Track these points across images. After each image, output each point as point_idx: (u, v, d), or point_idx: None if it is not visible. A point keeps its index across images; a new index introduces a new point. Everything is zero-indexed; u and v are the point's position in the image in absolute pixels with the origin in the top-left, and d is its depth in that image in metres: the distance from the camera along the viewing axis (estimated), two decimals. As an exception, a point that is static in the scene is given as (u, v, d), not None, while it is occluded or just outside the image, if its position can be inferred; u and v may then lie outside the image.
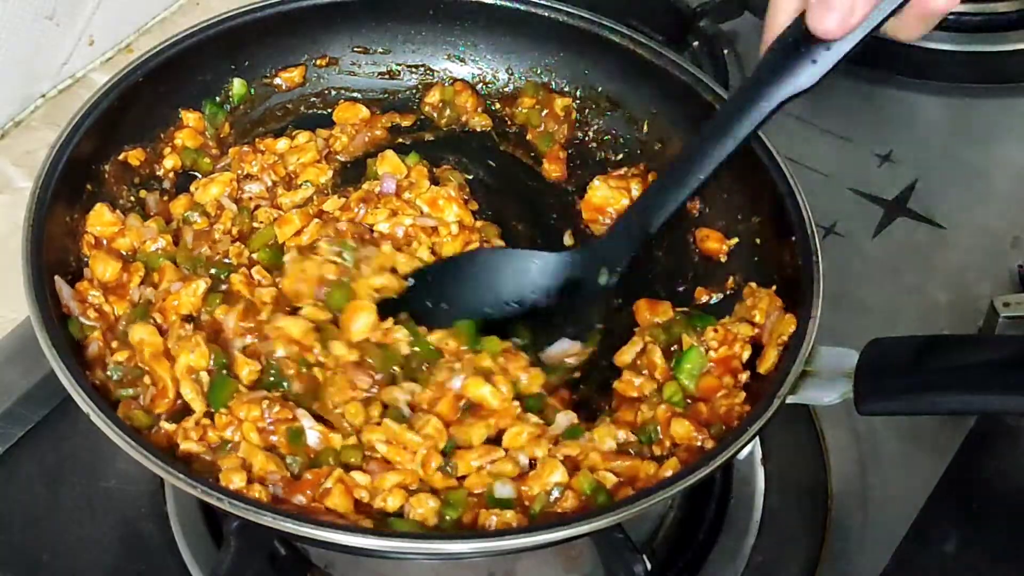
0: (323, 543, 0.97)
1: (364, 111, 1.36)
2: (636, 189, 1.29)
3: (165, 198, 1.25)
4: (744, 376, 1.11)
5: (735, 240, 1.25)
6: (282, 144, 1.31)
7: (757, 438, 1.07)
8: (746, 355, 1.12)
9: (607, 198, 1.29)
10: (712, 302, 1.21)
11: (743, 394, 1.08)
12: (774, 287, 1.15)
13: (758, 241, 1.21)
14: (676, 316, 1.18)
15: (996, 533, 1.23)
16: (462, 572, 1.16)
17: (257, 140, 1.32)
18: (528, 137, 1.37)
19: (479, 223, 1.27)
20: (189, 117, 1.29)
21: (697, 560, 1.18)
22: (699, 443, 1.06)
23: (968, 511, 1.24)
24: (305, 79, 1.36)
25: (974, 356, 1.05)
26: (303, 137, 1.32)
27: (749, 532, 1.20)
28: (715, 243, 1.25)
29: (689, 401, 1.11)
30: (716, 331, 1.14)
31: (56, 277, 1.09)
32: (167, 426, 1.04)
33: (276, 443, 1.04)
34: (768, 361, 1.08)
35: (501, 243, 1.26)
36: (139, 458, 0.94)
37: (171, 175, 1.27)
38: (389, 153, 1.31)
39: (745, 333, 1.13)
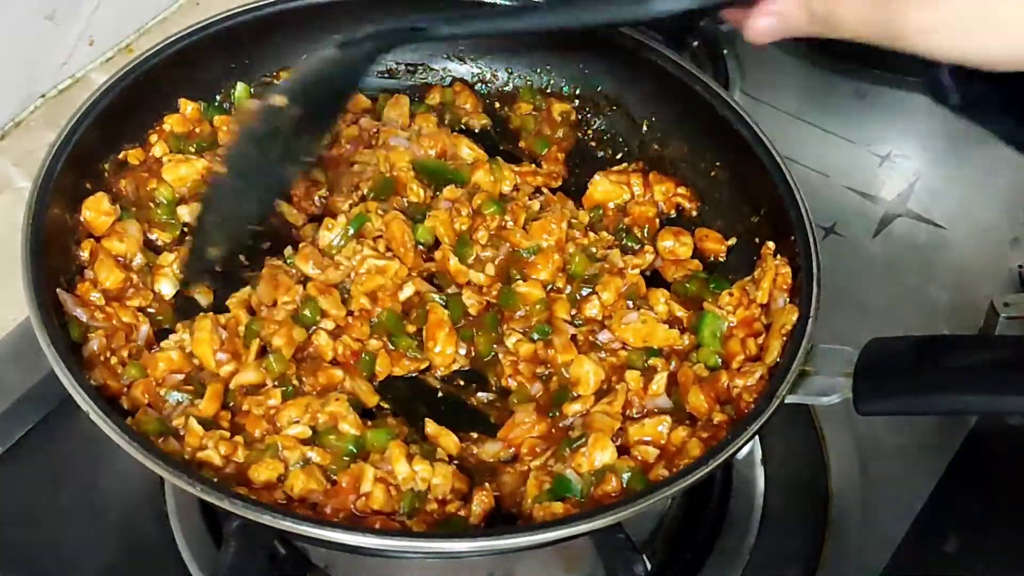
0: (323, 543, 0.97)
1: (365, 100, 1.36)
2: (636, 184, 1.30)
3: (145, 174, 1.24)
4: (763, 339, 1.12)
5: (734, 240, 1.25)
6: None
7: (757, 438, 1.07)
8: (765, 319, 1.14)
9: (608, 192, 1.29)
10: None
11: (757, 372, 1.08)
12: (778, 256, 1.17)
13: (757, 241, 1.21)
14: (696, 274, 1.22)
15: (996, 533, 1.23)
16: (462, 572, 1.16)
17: None
18: (521, 144, 1.37)
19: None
20: (187, 105, 1.29)
21: (697, 560, 1.18)
22: (713, 420, 1.08)
23: (968, 511, 1.24)
24: (306, 79, 1.37)
25: (974, 356, 1.04)
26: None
27: (749, 532, 1.20)
28: (714, 243, 1.26)
29: (720, 361, 1.13)
30: (731, 295, 1.16)
31: (58, 291, 1.08)
32: (195, 427, 1.03)
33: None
34: (772, 353, 1.09)
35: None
36: (139, 457, 0.94)
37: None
38: (403, 98, 1.34)
39: (760, 299, 1.14)
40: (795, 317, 1.08)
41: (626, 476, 1.04)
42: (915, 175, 1.57)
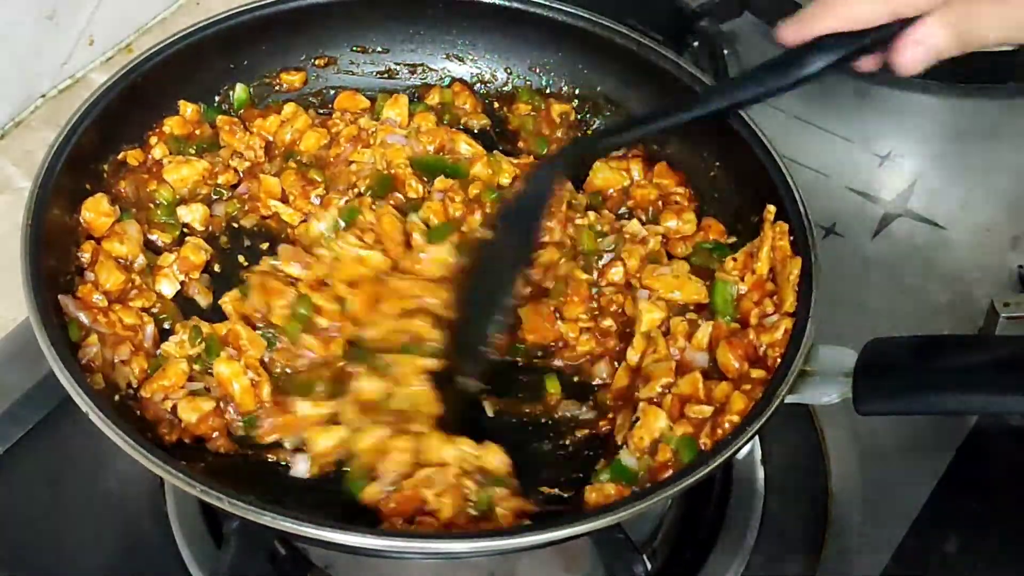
0: (323, 543, 0.97)
1: (364, 100, 1.36)
2: (636, 170, 1.30)
3: (145, 175, 1.25)
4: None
5: (733, 239, 1.25)
6: (271, 120, 1.31)
7: (757, 438, 1.07)
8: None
9: (608, 179, 1.30)
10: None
11: (782, 327, 1.09)
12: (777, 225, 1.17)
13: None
14: (700, 245, 1.23)
15: (996, 533, 1.23)
16: (462, 572, 1.16)
17: (248, 121, 1.32)
18: (520, 144, 1.37)
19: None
20: (187, 107, 1.29)
21: (697, 560, 1.18)
22: (746, 374, 1.09)
23: (968, 511, 1.24)
24: (305, 82, 1.37)
25: (974, 356, 1.05)
26: (290, 108, 1.32)
27: (749, 532, 1.20)
28: (716, 234, 1.25)
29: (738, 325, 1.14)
30: (735, 260, 1.18)
31: (60, 296, 1.08)
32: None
33: None
34: (787, 301, 1.10)
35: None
36: (139, 458, 0.94)
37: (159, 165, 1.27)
38: (402, 97, 1.34)
39: (761, 270, 1.15)
40: (798, 266, 1.10)
41: (676, 444, 1.05)
42: (915, 175, 1.57)
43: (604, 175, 1.29)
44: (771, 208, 1.17)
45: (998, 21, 0.96)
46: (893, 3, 1.01)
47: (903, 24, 1.02)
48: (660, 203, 1.28)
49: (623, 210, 1.29)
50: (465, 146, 1.31)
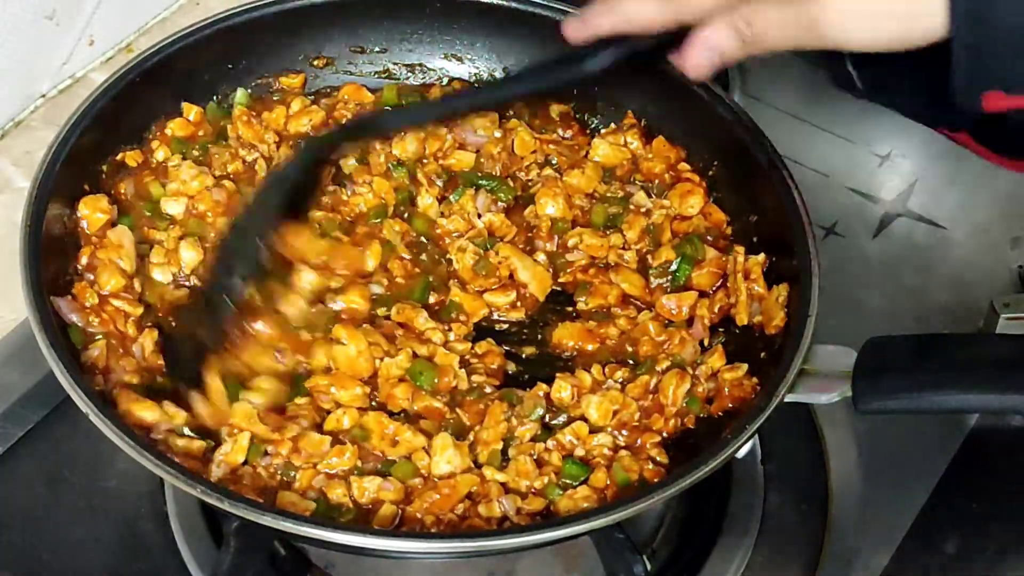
0: (323, 543, 0.97)
1: (369, 95, 1.36)
2: (634, 141, 1.31)
3: (145, 176, 1.24)
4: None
5: (730, 230, 1.25)
6: (278, 112, 1.31)
7: (757, 437, 1.07)
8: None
9: (608, 155, 1.30)
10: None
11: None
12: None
13: (755, 240, 1.21)
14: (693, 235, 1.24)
15: (996, 533, 1.23)
16: (462, 572, 1.16)
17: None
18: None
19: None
20: (190, 109, 1.29)
21: (697, 560, 1.18)
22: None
23: (968, 511, 1.24)
24: (304, 83, 1.37)
25: (974, 356, 1.04)
26: (299, 103, 1.33)
27: (749, 532, 1.20)
28: (715, 222, 1.25)
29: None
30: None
31: (52, 299, 1.08)
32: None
33: None
34: (775, 319, 1.11)
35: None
36: (139, 458, 0.94)
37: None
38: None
39: (741, 321, 1.17)
40: (786, 289, 1.12)
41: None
42: (915, 175, 1.57)
43: (603, 151, 1.30)
44: (739, 248, 1.20)
45: (780, 24, 0.91)
46: (676, 6, 0.97)
47: (689, 27, 0.98)
48: (667, 177, 1.29)
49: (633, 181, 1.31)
50: (481, 131, 1.32)
